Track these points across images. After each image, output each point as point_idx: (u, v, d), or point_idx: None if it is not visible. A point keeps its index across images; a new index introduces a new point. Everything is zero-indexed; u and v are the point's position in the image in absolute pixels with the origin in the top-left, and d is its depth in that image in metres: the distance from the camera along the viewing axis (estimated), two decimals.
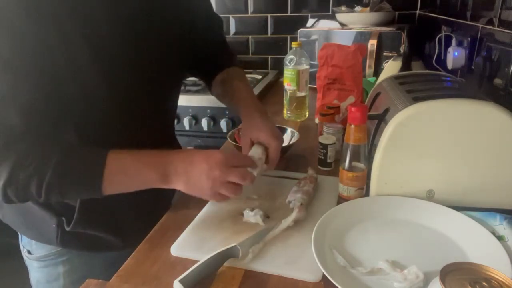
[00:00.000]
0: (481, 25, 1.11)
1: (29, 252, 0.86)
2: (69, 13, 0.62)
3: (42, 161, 0.62)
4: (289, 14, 1.97)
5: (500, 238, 0.63)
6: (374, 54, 1.52)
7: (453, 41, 1.25)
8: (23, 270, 0.91)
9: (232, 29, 2.06)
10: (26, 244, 0.86)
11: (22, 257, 0.90)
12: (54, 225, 0.78)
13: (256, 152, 0.77)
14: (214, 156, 0.68)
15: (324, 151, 0.94)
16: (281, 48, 2.04)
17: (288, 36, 2.01)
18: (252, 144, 0.79)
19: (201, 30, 0.90)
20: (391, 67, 1.29)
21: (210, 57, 0.96)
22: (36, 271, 0.87)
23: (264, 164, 0.77)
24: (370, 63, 1.54)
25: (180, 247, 0.67)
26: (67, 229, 0.77)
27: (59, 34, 0.61)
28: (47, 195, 0.63)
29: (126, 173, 0.67)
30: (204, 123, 1.67)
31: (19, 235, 0.87)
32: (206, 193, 0.69)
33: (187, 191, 0.69)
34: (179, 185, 0.69)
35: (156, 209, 0.81)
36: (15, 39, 0.59)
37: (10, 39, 0.59)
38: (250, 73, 2.01)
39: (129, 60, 0.71)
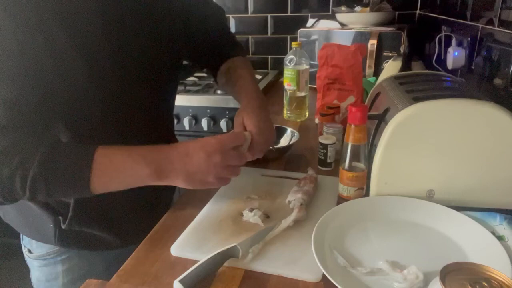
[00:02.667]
0: (481, 25, 1.11)
1: (29, 251, 0.86)
2: (55, 12, 0.61)
3: (26, 156, 0.60)
4: (289, 14, 1.98)
5: (500, 238, 0.63)
6: (374, 54, 1.52)
7: (453, 41, 1.25)
8: (24, 270, 0.91)
9: (232, 29, 2.06)
10: (26, 243, 0.87)
11: (22, 257, 0.90)
12: (51, 225, 0.78)
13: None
14: (210, 143, 0.66)
15: (324, 151, 0.94)
16: (281, 48, 2.04)
17: (288, 36, 2.01)
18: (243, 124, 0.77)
19: (198, 22, 0.89)
20: (391, 67, 1.29)
21: (213, 48, 0.95)
22: (36, 270, 0.87)
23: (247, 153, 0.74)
24: (370, 63, 1.54)
25: (180, 247, 0.67)
26: (63, 227, 0.77)
27: (42, 34, 0.61)
28: (32, 192, 0.60)
29: (116, 169, 0.64)
30: (204, 123, 1.67)
31: (21, 235, 0.88)
32: (208, 181, 0.67)
33: (187, 184, 0.67)
34: (177, 181, 0.66)
35: (155, 208, 0.81)
36: None
37: None
38: None
39: (117, 59, 0.70)
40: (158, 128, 0.87)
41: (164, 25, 0.80)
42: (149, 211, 0.80)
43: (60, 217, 0.77)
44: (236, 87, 0.88)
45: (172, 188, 0.98)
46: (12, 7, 0.59)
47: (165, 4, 0.80)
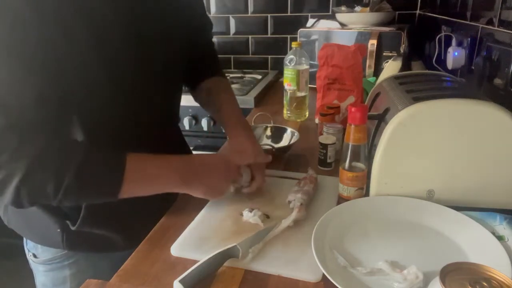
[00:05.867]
0: (481, 25, 1.11)
1: (34, 256, 0.85)
2: (73, 8, 0.61)
3: (62, 163, 0.60)
4: (289, 14, 1.97)
5: (500, 238, 0.63)
6: (374, 54, 1.52)
7: (453, 41, 1.25)
8: (27, 271, 0.90)
9: (232, 29, 2.06)
10: (31, 248, 0.85)
11: (25, 257, 0.89)
12: (58, 230, 0.77)
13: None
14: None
15: (324, 151, 0.94)
16: (281, 48, 2.04)
17: (288, 36, 2.01)
18: None
19: (194, 29, 0.90)
20: (391, 67, 1.29)
21: (198, 60, 0.95)
22: (42, 275, 0.86)
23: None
24: (370, 63, 1.54)
25: (180, 247, 0.67)
26: (73, 228, 0.76)
27: (62, 29, 0.61)
28: (63, 198, 0.61)
29: (146, 177, 0.67)
30: (204, 123, 1.67)
31: (24, 239, 0.86)
32: (220, 195, 0.75)
33: (204, 195, 0.73)
34: (198, 190, 0.72)
35: (162, 209, 0.81)
36: (18, 30, 0.58)
37: (12, 30, 0.58)
38: (250, 73, 2.02)
39: (132, 56, 0.71)
40: (168, 126, 0.89)
41: (175, 26, 0.81)
42: (156, 212, 0.80)
43: (68, 221, 0.76)
44: (220, 114, 0.91)
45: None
46: (37, 5, 0.58)
47: (175, 6, 0.81)
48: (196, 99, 0.99)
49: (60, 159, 0.60)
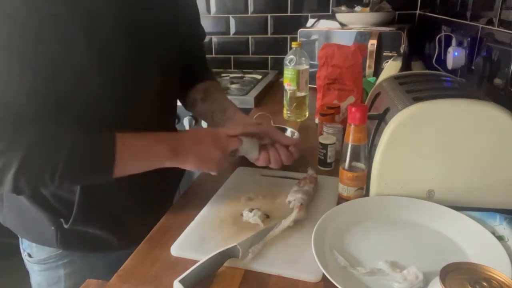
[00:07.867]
0: (481, 25, 1.11)
1: (29, 256, 0.85)
2: (68, 7, 0.61)
3: (54, 149, 0.61)
4: (289, 14, 1.98)
5: (500, 238, 0.63)
6: (374, 54, 1.52)
7: (453, 41, 1.25)
8: (24, 270, 0.91)
9: (232, 29, 2.06)
10: (26, 247, 0.86)
11: (21, 256, 0.89)
12: (52, 227, 0.77)
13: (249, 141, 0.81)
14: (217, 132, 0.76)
15: (324, 151, 0.94)
16: (281, 48, 2.04)
17: (288, 36, 2.01)
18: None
19: (187, 38, 0.90)
20: (391, 67, 1.29)
21: (190, 67, 0.96)
22: (37, 275, 0.86)
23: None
24: (370, 63, 1.53)
25: (180, 247, 0.67)
26: (66, 226, 0.76)
27: (56, 28, 0.61)
28: (60, 182, 0.62)
29: (137, 152, 0.69)
30: (204, 123, 1.67)
31: (20, 239, 0.87)
32: (214, 165, 0.75)
33: (196, 165, 0.73)
34: (188, 160, 0.72)
35: (158, 209, 0.81)
36: (13, 26, 0.58)
37: (8, 26, 0.58)
38: (250, 73, 2.02)
39: (128, 57, 0.71)
40: (163, 126, 0.88)
41: (172, 29, 0.81)
42: (151, 212, 0.80)
43: (61, 219, 0.76)
44: (223, 107, 0.93)
45: (175, 188, 0.98)
46: (31, 4, 0.58)
47: (173, 10, 0.82)
48: (183, 99, 1.00)
49: (53, 145, 0.62)
